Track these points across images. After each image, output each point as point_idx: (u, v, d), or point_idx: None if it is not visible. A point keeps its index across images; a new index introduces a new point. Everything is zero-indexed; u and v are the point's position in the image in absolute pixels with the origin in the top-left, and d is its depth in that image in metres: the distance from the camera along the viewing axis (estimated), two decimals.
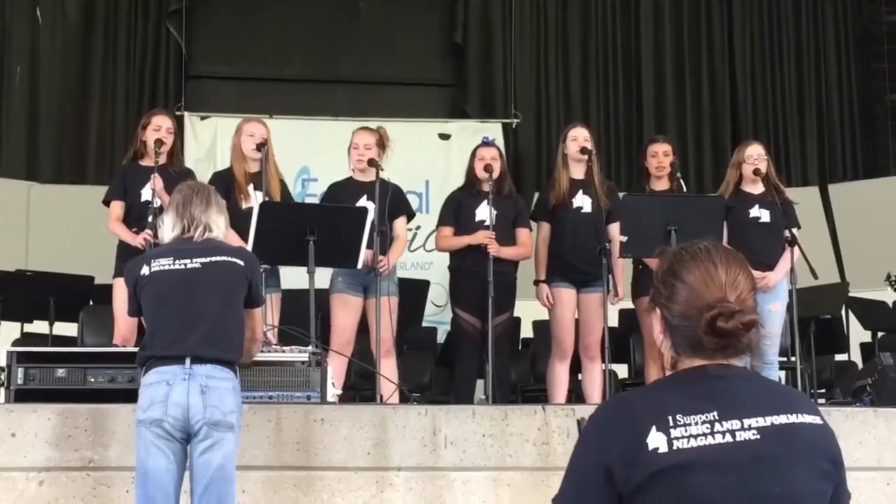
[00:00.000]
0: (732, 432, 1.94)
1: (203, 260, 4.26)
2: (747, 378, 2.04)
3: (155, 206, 6.09)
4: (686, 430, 1.93)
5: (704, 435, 1.93)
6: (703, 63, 11.60)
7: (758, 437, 1.94)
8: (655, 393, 2.06)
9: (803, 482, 1.96)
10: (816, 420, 2.01)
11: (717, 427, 1.94)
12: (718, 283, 2.01)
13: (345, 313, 6.38)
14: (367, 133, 6.56)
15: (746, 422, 1.95)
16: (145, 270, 4.27)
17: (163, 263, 4.26)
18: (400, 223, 6.59)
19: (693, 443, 1.92)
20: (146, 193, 6.27)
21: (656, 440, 1.92)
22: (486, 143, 6.94)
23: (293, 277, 6.55)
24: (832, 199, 10.99)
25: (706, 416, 1.94)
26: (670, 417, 1.94)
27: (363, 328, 6.49)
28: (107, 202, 6.47)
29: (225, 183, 6.22)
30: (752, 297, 2.04)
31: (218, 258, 4.29)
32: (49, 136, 10.69)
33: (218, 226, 4.38)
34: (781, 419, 1.97)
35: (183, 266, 4.25)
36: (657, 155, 6.96)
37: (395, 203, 6.46)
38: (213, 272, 4.26)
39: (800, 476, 1.96)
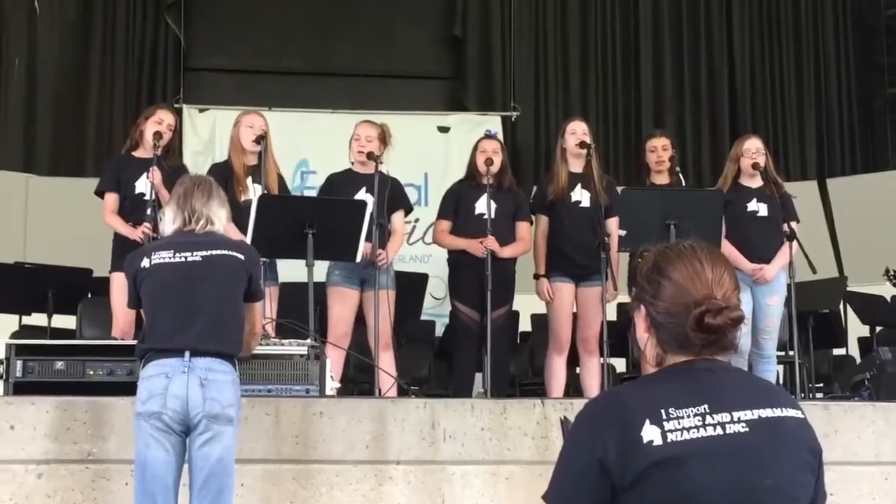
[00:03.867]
0: (723, 425, 1.96)
1: (203, 253, 4.25)
2: (731, 372, 2.08)
3: (152, 199, 6.08)
4: (679, 423, 1.95)
5: (697, 427, 1.95)
6: (701, 56, 11.60)
7: (746, 429, 1.97)
8: (646, 387, 2.08)
9: (790, 474, 2.00)
10: (798, 414, 2.06)
11: (709, 420, 1.96)
12: (705, 281, 2.04)
13: (341, 306, 6.38)
14: (369, 126, 6.56)
15: (735, 414, 1.98)
16: (145, 263, 4.26)
17: (163, 256, 4.25)
18: (398, 217, 6.59)
19: (686, 435, 1.94)
20: (140, 185, 6.26)
21: (651, 433, 1.94)
22: (489, 135, 6.94)
23: (292, 271, 6.54)
24: (831, 194, 10.98)
25: (697, 409, 1.97)
26: (663, 411, 1.96)
27: (358, 321, 6.49)
28: (100, 193, 6.44)
29: (223, 175, 6.19)
30: (737, 296, 2.06)
31: (218, 251, 4.27)
32: (47, 129, 10.67)
33: (219, 218, 4.36)
34: (767, 412, 2.01)
35: (183, 259, 4.24)
36: (656, 149, 6.97)
37: (394, 197, 6.45)
38: (213, 265, 4.25)
39: (787, 468, 1.99)
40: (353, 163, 6.60)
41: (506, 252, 6.58)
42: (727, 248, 6.35)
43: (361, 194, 6.33)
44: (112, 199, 6.36)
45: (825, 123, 11.59)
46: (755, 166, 6.59)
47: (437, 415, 5.09)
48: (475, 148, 6.81)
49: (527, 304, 7.60)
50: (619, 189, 6.87)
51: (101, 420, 4.87)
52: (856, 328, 8.84)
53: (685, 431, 1.94)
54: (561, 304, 6.63)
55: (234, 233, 5.33)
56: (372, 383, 6.18)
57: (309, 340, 5.42)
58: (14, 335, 7.53)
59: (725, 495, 1.93)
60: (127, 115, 10.26)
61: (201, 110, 10.52)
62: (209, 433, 4.09)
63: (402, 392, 6.16)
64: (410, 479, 5.02)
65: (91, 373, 5.11)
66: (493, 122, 10.48)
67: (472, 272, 6.54)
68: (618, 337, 7.57)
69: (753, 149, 6.66)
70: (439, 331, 8.90)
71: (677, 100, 11.52)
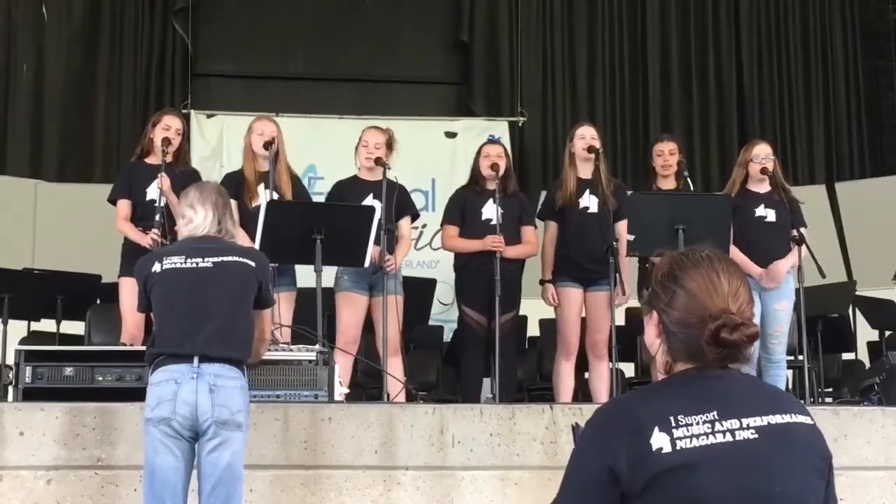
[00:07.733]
0: (732, 432, 1.96)
1: (214, 259, 4.27)
2: (740, 378, 2.07)
3: (161, 205, 6.09)
4: (688, 430, 1.94)
5: (706, 434, 1.95)
6: (709, 61, 11.59)
7: (756, 436, 1.97)
8: (654, 395, 2.07)
9: (801, 480, 1.99)
10: (808, 420, 2.05)
11: (718, 427, 1.96)
12: (721, 293, 2.02)
13: (350, 311, 6.39)
14: (377, 132, 6.58)
15: (745, 421, 1.97)
16: (156, 268, 4.28)
17: (174, 261, 4.27)
18: (405, 223, 6.61)
19: (695, 442, 1.94)
20: (151, 192, 6.27)
21: (660, 441, 1.93)
22: (492, 140, 6.94)
23: (300, 276, 6.54)
24: (839, 198, 10.96)
25: (706, 416, 1.96)
26: (672, 418, 1.95)
27: (367, 327, 6.49)
28: (112, 201, 6.46)
29: (235, 183, 6.22)
30: (751, 309, 2.05)
31: (229, 258, 4.29)
32: (55, 135, 10.69)
33: (229, 225, 4.38)
34: (777, 419, 2.00)
35: (194, 265, 4.25)
36: (663, 154, 6.96)
37: (401, 203, 6.46)
38: (223, 272, 4.26)
39: (797, 474, 1.99)
40: (359, 168, 6.61)
41: (511, 252, 6.57)
42: (735, 253, 6.34)
43: (369, 200, 6.34)
44: (124, 205, 6.37)
45: (833, 127, 11.58)
46: (764, 171, 6.58)
47: (446, 420, 5.09)
48: (478, 153, 6.82)
49: (535, 309, 7.60)
50: (628, 193, 6.86)
51: (110, 426, 4.87)
52: (865, 332, 8.82)
53: (694, 438, 1.94)
54: (569, 308, 6.62)
55: (243, 239, 5.34)
56: (380, 389, 6.18)
57: (317, 346, 5.43)
58: (23, 341, 7.54)
59: (735, 502, 1.92)
60: (135, 120, 10.29)
61: (209, 116, 10.53)
62: (218, 439, 4.09)
63: (411, 397, 6.16)
64: (419, 484, 5.02)
65: (100, 379, 5.13)
66: (501, 128, 10.48)
67: (479, 277, 6.54)
68: (627, 341, 7.58)
69: (763, 154, 6.65)
70: (447, 336, 8.89)
71: (685, 104, 11.50)
